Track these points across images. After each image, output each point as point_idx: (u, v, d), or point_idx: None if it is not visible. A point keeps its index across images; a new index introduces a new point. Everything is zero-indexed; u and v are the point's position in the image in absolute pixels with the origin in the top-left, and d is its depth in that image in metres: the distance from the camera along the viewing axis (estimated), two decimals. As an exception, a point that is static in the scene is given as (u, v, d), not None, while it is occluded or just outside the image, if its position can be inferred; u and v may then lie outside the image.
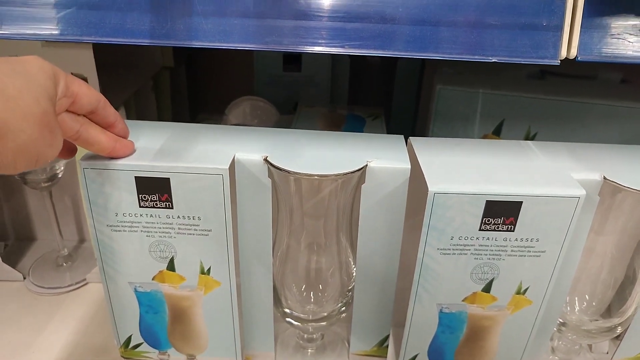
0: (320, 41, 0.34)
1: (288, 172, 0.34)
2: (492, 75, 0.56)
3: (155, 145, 0.36)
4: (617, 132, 0.52)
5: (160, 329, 0.42)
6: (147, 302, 0.40)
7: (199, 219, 0.36)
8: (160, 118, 0.64)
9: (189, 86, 0.70)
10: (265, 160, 0.35)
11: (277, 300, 0.42)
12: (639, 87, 0.57)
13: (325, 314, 0.42)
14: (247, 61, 0.66)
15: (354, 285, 0.41)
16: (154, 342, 0.42)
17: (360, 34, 0.33)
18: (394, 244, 0.39)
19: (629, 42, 0.34)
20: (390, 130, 0.41)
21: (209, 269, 0.38)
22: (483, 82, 0.54)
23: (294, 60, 0.66)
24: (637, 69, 0.66)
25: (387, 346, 0.44)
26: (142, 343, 0.43)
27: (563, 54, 0.34)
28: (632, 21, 0.33)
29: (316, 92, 0.67)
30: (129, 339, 0.42)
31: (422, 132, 0.59)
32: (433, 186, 0.34)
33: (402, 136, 0.40)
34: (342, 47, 0.33)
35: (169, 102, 0.65)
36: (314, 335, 0.46)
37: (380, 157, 0.36)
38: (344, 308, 0.43)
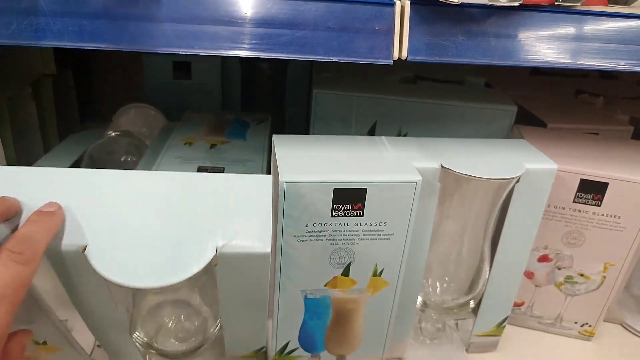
0: (170, 42, 0.35)
1: (112, 282, 0.27)
2: (368, 80, 0.61)
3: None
4: (479, 131, 0.58)
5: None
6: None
7: None
8: (43, 126, 0.62)
9: (78, 93, 0.69)
10: (85, 254, 0.28)
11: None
12: (499, 92, 0.64)
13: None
14: (137, 68, 0.66)
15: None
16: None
17: (199, 36, 0.35)
18: (261, 305, 0.35)
19: (452, 45, 0.38)
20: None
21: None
22: (358, 86, 0.58)
23: (183, 67, 0.67)
24: (499, 75, 0.73)
25: (265, 351, 0.45)
26: None
27: (396, 55, 0.38)
28: (454, 27, 0.38)
29: (208, 100, 0.69)
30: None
31: (308, 135, 0.62)
32: (284, 176, 0.36)
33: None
34: (191, 47, 0.35)
35: (52, 110, 0.63)
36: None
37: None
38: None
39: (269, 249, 0.29)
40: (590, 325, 0.54)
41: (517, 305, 0.54)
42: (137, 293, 0.37)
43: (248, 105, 0.72)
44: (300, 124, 0.74)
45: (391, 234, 0.39)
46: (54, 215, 0.28)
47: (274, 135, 0.43)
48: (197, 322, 0.39)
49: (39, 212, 0.28)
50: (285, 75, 0.71)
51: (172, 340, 0.39)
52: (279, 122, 0.70)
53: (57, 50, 0.63)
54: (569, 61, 0.40)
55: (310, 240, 0.38)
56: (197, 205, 0.31)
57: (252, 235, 0.30)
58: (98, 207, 0.30)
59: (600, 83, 0.80)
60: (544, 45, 0.39)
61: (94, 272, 0.28)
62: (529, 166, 0.41)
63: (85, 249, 0.28)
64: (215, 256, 0.29)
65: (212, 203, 0.31)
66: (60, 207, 0.29)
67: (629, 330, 0.56)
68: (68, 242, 0.28)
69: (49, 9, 0.33)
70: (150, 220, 0.30)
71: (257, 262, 0.30)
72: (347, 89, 0.57)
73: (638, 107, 0.66)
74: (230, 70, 0.70)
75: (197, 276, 0.31)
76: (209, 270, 0.32)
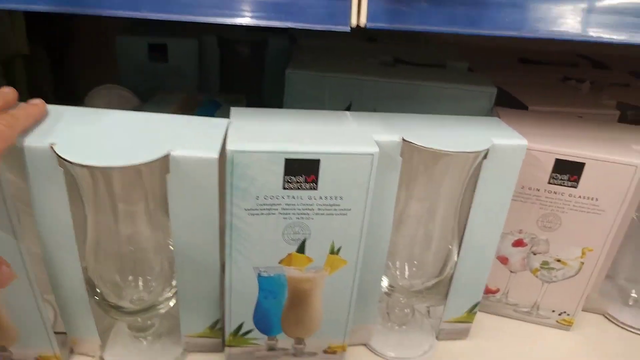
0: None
1: (74, 164, 0.32)
2: (344, 62, 0.59)
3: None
4: (457, 113, 0.56)
5: None
6: None
7: None
8: (14, 106, 0.61)
9: (52, 74, 0.68)
10: (52, 148, 0.33)
11: (100, 295, 0.41)
12: (481, 75, 0.62)
13: (151, 304, 0.41)
14: (112, 50, 0.65)
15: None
16: None
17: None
18: (211, 221, 0.38)
19: (415, 11, 0.36)
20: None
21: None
22: (332, 67, 0.56)
23: (160, 49, 0.65)
24: (485, 62, 0.71)
25: (220, 328, 0.44)
26: None
27: (354, 21, 0.36)
28: (417, -8, 0.36)
29: (184, 82, 0.67)
30: None
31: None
32: (232, 145, 0.34)
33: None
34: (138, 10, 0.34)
35: (24, 91, 0.62)
36: (148, 322, 0.44)
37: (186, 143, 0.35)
38: (170, 295, 0.42)
39: (216, 155, 0.34)
40: (568, 314, 0.51)
41: (492, 292, 0.52)
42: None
43: (226, 88, 0.71)
44: (279, 106, 0.72)
45: (348, 209, 0.38)
46: (35, 106, 0.36)
47: (232, 107, 0.41)
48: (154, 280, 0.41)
49: (25, 103, 0.36)
50: (264, 58, 0.70)
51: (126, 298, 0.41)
52: (258, 104, 0.68)
53: (30, 29, 0.62)
54: (546, 30, 0.37)
55: (262, 213, 0.37)
56: (158, 129, 0.38)
57: (202, 146, 0.35)
58: (69, 125, 0.36)
59: (591, 72, 0.77)
60: (516, 10, 0.37)
61: (58, 169, 0.33)
62: (496, 141, 0.39)
63: (53, 145, 0.33)
64: (167, 159, 0.34)
65: (172, 129, 0.38)
66: (43, 103, 0.37)
67: (612, 321, 0.54)
68: (37, 140, 0.33)
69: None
70: (114, 133, 0.36)
71: (205, 168, 0.35)
72: (321, 70, 0.55)
73: (627, 93, 0.64)
74: (208, 53, 0.68)
75: (152, 189, 0.38)
76: (162, 182, 0.36)
